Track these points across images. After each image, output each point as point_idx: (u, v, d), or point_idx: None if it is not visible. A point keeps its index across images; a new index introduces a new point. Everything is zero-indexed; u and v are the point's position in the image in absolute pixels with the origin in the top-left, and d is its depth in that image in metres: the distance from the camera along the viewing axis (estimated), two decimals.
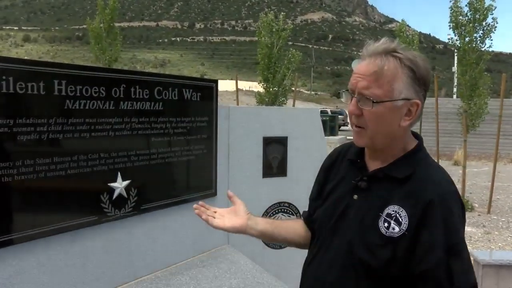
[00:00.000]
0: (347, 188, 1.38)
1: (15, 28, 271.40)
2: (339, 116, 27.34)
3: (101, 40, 11.39)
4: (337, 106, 40.91)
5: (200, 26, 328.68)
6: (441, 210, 1.20)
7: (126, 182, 2.45)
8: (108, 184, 2.39)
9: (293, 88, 14.29)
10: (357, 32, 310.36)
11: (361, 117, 1.27)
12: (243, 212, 1.54)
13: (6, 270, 1.97)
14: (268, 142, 3.50)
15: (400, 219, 1.21)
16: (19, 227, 2.01)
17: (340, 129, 25.85)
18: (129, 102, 2.51)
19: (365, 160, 1.39)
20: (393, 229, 1.22)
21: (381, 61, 1.23)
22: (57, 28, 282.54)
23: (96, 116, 2.35)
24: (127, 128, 2.51)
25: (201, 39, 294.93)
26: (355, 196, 1.34)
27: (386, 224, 1.23)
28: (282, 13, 13.21)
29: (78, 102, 2.28)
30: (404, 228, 1.21)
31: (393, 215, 1.23)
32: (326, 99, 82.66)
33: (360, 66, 1.28)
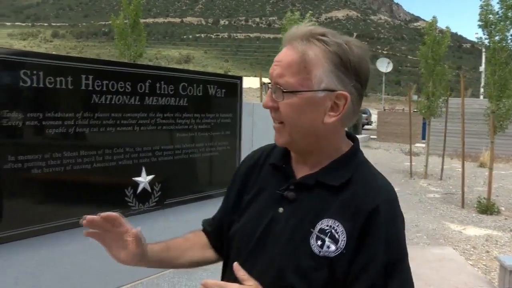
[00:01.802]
0: (271, 199, 1.12)
1: (45, 24, 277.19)
2: (363, 114, 27.08)
3: (126, 36, 11.51)
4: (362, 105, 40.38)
5: (224, 22, 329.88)
6: (383, 220, 1.00)
7: (150, 177, 2.48)
8: (133, 178, 2.42)
9: None
10: (382, 31, 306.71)
11: (278, 111, 1.07)
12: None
13: (35, 258, 2.02)
14: None
15: (337, 236, 1.00)
16: (47, 218, 2.06)
17: (364, 128, 25.61)
18: (154, 97, 2.54)
19: (292, 165, 1.15)
20: (328, 247, 1.00)
21: (301, 45, 1.03)
22: (84, 24, 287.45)
23: (121, 111, 2.38)
24: (152, 123, 2.54)
25: (225, 36, 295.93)
26: (281, 209, 1.09)
27: (319, 242, 1.01)
28: (310, 11, 13.13)
29: (105, 96, 2.31)
30: (341, 246, 0.99)
31: (327, 230, 1.01)
32: None
33: (279, 53, 1.08)
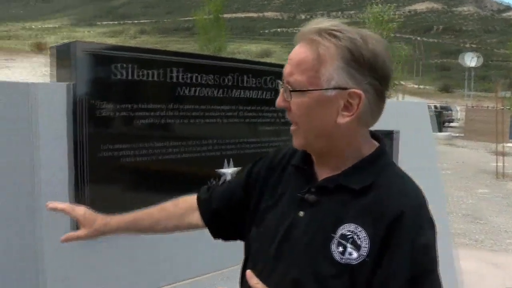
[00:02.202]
0: (291, 203, 1.09)
1: (132, 21, 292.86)
2: (446, 111, 25.74)
3: (208, 31, 11.78)
4: (446, 102, 38.53)
5: (303, 17, 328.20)
6: (409, 227, 0.93)
7: (234, 169, 2.50)
8: (216, 170, 2.45)
9: (401, 82, 13.72)
10: (469, 23, 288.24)
11: (291, 111, 1.04)
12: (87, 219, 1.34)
13: (113, 246, 2.11)
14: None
15: (359, 242, 0.95)
16: (129, 205, 2.14)
17: (447, 125, 24.32)
18: (240, 90, 2.55)
19: (314, 167, 1.10)
20: (350, 254, 0.95)
21: (311, 42, 0.97)
22: (167, 20, 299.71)
23: (207, 103, 2.42)
24: (237, 115, 2.56)
25: None
26: (301, 213, 1.05)
27: (340, 248, 0.96)
28: (394, 4, 12.62)
29: (190, 89, 2.36)
30: (364, 253, 0.94)
31: (349, 236, 0.96)
32: (433, 94, 78.23)
33: (292, 51, 1.03)
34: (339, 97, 0.97)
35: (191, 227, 1.38)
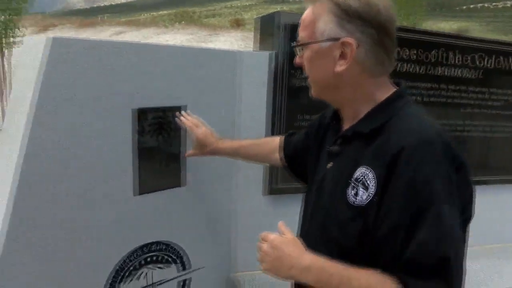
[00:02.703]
0: (325, 157, 1.20)
1: None
2: None
3: (402, 6, 11.18)
4: None
5: None
6: (407, 162, 0.94)
7: None
8: None
9: None
10: None
11: (303, 66, 1.15)
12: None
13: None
14: None
15: (367, 183, 0.99)
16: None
17: None
18: (445, 68, 2.35)
19: (342, 122, 1.19)
20: (361, 196, 1.00)
21: (313, 2, 1.09)
22: None
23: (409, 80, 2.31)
24: (439, 95, 2.37)
25: (508, 5, 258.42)
26: (329, 165, 1.15)
27: (354, 191, 1.02)
28: None
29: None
30: (371, 193, 0.98)
31: (360, 179, 1.01)
32: None
33: None
34: (333, 48, 1.05)
35: (276, 164, 1.62)
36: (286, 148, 1.55)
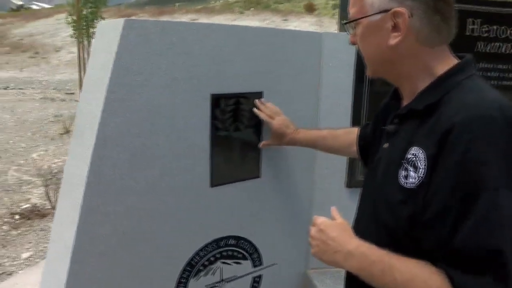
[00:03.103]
0: (382, 137, 1.13)
1: None
2: None
3: None
4: None
5: None
6: (457, 141, 0.84)
7: None
8: None
9: None
10: None
11: (357, 45, 1.08)
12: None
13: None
14: None
15: (417, 164, 0.91)
16: None
17: None
18: None
19: (402, 100, 1.09)
20: (412, 178, 0.92)
21: None
22: None
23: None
24: None
25: None
26: (385, 145, 1.08)
27: (404, 173, 0.94)
28: None
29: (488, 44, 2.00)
30: (421, 175, 0.89)
31: (411, 159, 0.93)
32: None
33: None
34: (385, 20, 0.98)
35: (353, 155, 1.52)
36: (361, 140, 1.46)
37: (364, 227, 1.09)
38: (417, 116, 0.98)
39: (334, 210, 1.13)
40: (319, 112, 2.01)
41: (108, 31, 1.46)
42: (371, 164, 1.18)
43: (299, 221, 2.10)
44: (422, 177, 0.89)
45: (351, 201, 2.24)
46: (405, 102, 1.07)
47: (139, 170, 1.49)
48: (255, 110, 1.73)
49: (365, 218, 1.13)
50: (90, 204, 1.41)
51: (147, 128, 1.48)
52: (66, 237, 1.45)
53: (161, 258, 1.63)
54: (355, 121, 2.04)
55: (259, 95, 1.75)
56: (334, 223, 1.07)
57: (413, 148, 0.94)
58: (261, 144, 1.78)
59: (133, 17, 1.40)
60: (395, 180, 0.96)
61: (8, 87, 15.28)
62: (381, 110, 1.26)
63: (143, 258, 1.58)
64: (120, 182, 1.46)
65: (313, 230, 1.08)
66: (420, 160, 0.90)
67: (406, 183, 0.93)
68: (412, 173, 0.92)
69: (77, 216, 1.41)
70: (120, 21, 1.38)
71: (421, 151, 0.91)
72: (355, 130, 1.51)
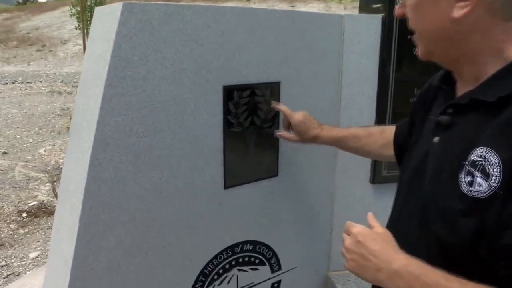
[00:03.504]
0: (430, 128, 0.92)
1: None
2: None
3: None
4: None
5: None
6: None
7: None
8: None
9: None
10: None
11: (408, 17, 0.88)
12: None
13: None
14: None
15: (489, 169, 0.70)
16: None
17: None
18: None
19: (456, 85, 0.89)
20: (479, 185, 0.72)
21: None
22: None
23: None
24: None
25: None
26: (436, 139, 0.87)
27: (469, 178, 0.74)
28: None
29: None
30: (494, 184, 0.69)
31: (478, 163, 0.73)
32: None
33: None
34: None
35: (389, 159, 1.27)
36: (398, 139, 1.20)
37: (405, 231, 0.91)
38: (484, 109, 0.78)
39: (371, 217, 0.93)
40: (340, 103, 1.83)
41: (105, 17, 1.29)
42: (409, 161, 0.99)
43: (320, 220, 1.93)
44: (495, 187, 0.71)
45: (376, 198, 2.09)
46: (461, 88, 0.88)
47: (144, 174, 1.33)
48: (273, 102, 1.55)
49: (406, 220, 0.94)
50: (90, 214, 1.26)
51: (151, 127, 1.31)
52: (65, 251, 1.30)
53: (171, 269, 1.47)
54: (380, 113, 1.86)
55: (276, 85, 1.57)
56: (374, 233, 0.87)
57: (479, 149, 0.75)
58: (278, 133, 1.55)
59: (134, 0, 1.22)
60: (454, 185, 0.77)
61: (16, 81, 15.21)
62: (423, 95, 1.05)
63: (151, 271, 1.42)
64: (123, 188, 1.30)
65: (348, 241, 0.89)
66: (493, 165, 0.72)
67: (471, 190, 0.74)
68: (480, 180, 0.73)
69: (76, 228, 1.25)
70: (118, 5, 1.21)
71: (493, 154, 0.72)
72: (390, 129, 1.27)
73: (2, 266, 3.57)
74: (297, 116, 1.46)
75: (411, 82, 1.80)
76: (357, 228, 0.88)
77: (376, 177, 1.98)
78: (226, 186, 1.53)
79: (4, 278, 3.42)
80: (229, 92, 1.45)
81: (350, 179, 1.95)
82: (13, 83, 15.04)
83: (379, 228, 0.89)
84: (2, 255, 3.73)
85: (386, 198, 1.99)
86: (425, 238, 0.86)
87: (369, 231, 0.88)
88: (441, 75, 0.97)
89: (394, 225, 0.98)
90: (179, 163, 1.39)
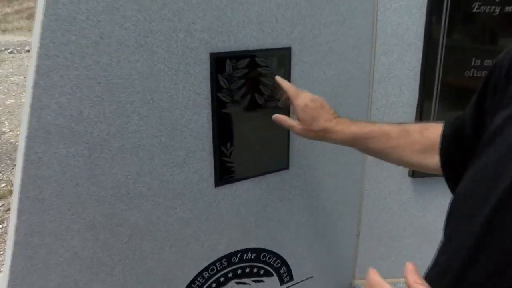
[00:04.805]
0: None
1: None
2: None
3: None
4: None
5: None
6: None
7: None
8: None
9: None
10: None
11: None
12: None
13: None
14: None
15: None
16: None
17: None
18: None
19: None
20: None
21: None
22: None
23: None
24: None
25: None
26: None
27: None
28: None
29: None
30: None
31: None
32: None
33: None
34: None
35: (431, 170, 0.86)
36: (447, 142, 0.80)
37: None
38: None
39: (411, 269, 0.54)
40: (373, 77, 1.44)
41: None
42: (478, 172, 0.60)
43: (344, 221, 1.58)
44: None
45: (416, 193, 1.71)
46: None
47: (103, 170, 1.02)
48: (277, 78, 1.16)
49: (458, 274, 0.55)
50: (30, 222, 0.97)
51: (108, 109, 0.98)
52: (5, 268, 1.02)
53: (148, 287, 1.17)
54: (425, 90, 1.46)
55: (286, 52, 1.20)
56: None
57: None
58: (274, 116, 1.11)
59: None
60: None
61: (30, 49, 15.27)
62: (504, 73, 0.63)
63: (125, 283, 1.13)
64: (75, 189, 0.99)
65: None
66: None
67: None
68: None
69: (12, 240, 0.96)
70: None
71: None
72: (435, 127, 0.85)
73: None
74: (302, 98, 1.06)
75: (468, 50, 1.39)
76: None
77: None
78: (217, 184, 1.20)
79: None
80: (219, 62, 1.09)
81: (384, 171, 1.58)
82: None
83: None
84: None
85: (428, 196, 1.62)
86: None
87: None
88: None
89: (440, 277, 0.59)
90: (151, 156, 1.07)
